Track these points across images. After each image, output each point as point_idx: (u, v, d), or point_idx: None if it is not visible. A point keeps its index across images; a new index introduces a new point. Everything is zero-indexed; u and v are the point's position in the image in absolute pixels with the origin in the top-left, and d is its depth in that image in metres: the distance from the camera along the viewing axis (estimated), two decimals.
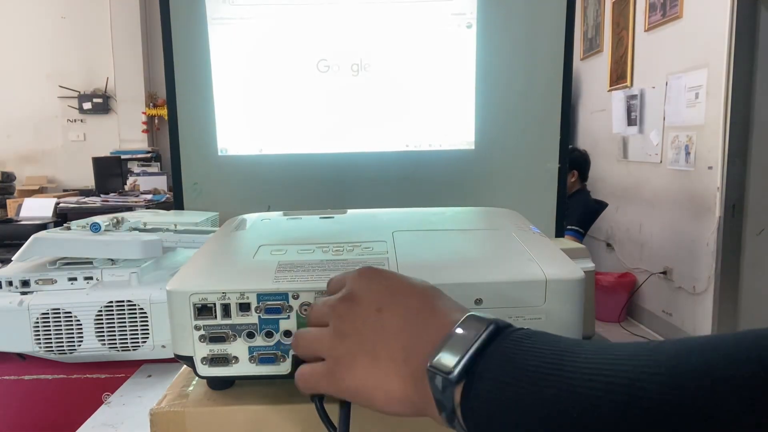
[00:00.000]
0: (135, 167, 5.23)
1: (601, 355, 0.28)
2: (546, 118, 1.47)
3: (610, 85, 3.83)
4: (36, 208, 3.50)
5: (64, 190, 5.49)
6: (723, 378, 0.24)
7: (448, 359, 0.31)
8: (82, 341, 0.88)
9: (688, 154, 2.98)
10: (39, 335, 0.88)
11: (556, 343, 0.30)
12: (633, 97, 3.51)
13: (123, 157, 5.13)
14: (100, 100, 5.76)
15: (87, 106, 5.76)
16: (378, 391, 0.35)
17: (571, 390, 0.27)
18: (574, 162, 2.95)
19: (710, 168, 2.80)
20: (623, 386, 0.25)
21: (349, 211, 0.67)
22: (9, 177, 5.11)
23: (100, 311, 0.88)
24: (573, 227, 2.72)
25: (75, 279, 0.92)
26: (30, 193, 5.09)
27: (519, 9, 1.44)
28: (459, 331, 0.33)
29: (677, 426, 0.24)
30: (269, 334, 0.45)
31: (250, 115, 1.46)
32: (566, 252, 0.52)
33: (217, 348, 0.45)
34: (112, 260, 0.93)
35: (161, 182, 4.71)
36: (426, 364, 0.32)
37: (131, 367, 0.92)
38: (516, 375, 0.29)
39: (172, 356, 0.47)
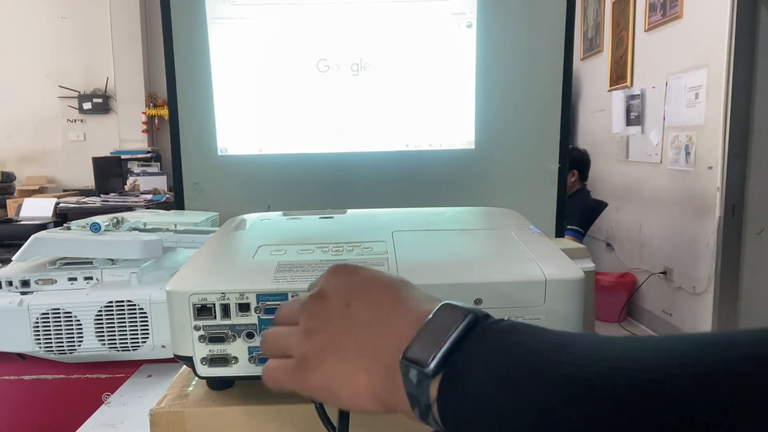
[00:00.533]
0: (135, 167, 5.23)
1: (598, 350, 0.26)
2: (546, 118, 1.47)
3: (610, 85, 3.83)
4: (36, 208, 3.50)
5: (64, 190, 5.49)
6: (722, 376, 0.23)
7: (422, 351, 0.30)
8: (82, 341, 0.88)
9: (688, 154, 2.97)
10: (39, 335, 0.88)
11: (546, 337, 0.29)
12: (633, 97, 3.51)
13: (123, 157, 5.13)
14: (100, 100, 5.76)
15: (87, 106, 5.76)
16: (345, 388, 0.33)
17: (567, 388, 0.25)
18: (574, 162, 2.95)
19: (710, 168, 2.80)
20: (623, 383, 0.24)
21: (349, 211, 0.67)
22: (9, 177, 5.11)
23: (100, 311, 0.88)
24: (573, 227, 2.72)
25: (75, 279, 0.92)
26: (30, 193, 5.09)
27: (519, 9, 1.44)
28: (434, 321, 0.31)
29: (674, 423, 0.23)
30: None
31: (250, 115, 1.46)
32: (566, 252, 0.52)
33: (217, 348, 0.45)
34: (112, 260, 0.93)
35: (161, 182, 4.71)
36: (397, 357, 0.30)
37: (131, 367, 0.92)
38: (504, 372, 0.27)
39: (172, 356, 0.47)
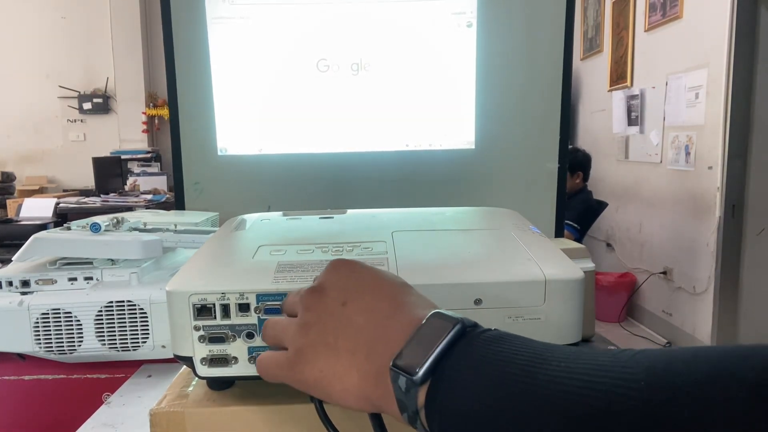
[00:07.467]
0: (135, 167, 5.23)
1: (574, 363, 0.27)
2: (546, 118, 1.47)
3: (610, 85, 3.84)
4: (36, 208, 3.50)
5: (64, 190, 5.49)
6: (702, 395, 0.23)
7: (411, 359, 0.31)
8: (82, 341, 0.88)
9: (688, 154, 2.97)
10: (39, 335, 0.88)
11: (527, 348, 0.29)
12: (633, 97, 3.51)
13: (123, 157, 5.13)
14: (100, 100, 5.76)
15: (87, 106, 5.76)
16: (335, 385, 0.34)
17: (543, 400, 0.26)
18: (579, 163, 2.96)
19: (710, 168, 2.80)
20: (597, 398, 0.25)
21: (349, 211, 0.67)
22: (9, 177, 5.11)
23: (100, 311, 0.88)
24: (569, 222, 2.72)
25: (75, 279, 0.92)
26: (30, 193, 5.09)
27: (519, 9, 1.44)
28: (423, 329, 0.32)
29: None
30: None
31: (249, 115, 1.46)
32: (566, 252, 0.52)
33: (217, 348, 0.45)
34: (112, 260, 0.93)
35: (161, 182, 4.71)
36: (388, 363, 0.32)
37: (131, 367, 0.92)
38: (486, 381, 0.28)
39: (172, 356, 0.47)
